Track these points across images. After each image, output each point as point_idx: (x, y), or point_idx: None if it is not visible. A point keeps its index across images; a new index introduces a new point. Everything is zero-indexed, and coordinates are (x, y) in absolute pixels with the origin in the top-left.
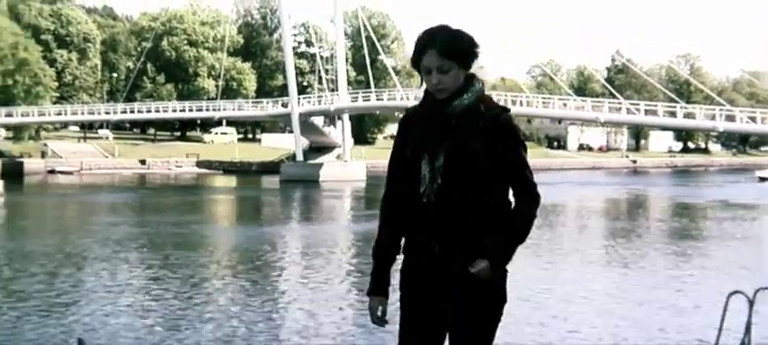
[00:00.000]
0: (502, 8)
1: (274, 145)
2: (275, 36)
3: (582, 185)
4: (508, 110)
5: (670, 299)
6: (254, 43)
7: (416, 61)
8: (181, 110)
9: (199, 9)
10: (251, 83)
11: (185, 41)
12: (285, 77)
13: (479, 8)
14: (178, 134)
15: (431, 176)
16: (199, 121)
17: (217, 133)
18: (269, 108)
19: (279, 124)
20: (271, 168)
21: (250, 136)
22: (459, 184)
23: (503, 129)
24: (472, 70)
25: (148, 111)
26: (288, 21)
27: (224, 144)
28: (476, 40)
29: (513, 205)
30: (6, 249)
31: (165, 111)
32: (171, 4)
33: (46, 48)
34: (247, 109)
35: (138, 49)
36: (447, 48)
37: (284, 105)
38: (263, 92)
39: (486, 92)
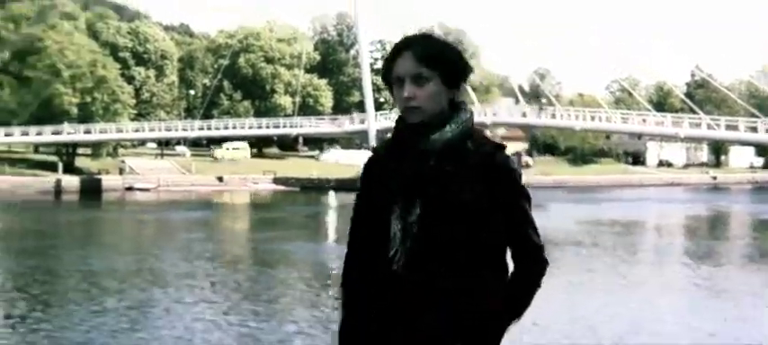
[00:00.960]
0: (579, 24)
1: (351, 162)
2: (352, 53)
3: (661, 202)
4: (504, 148)
5: (753, 322)
6: (331, 60)
7: (387, 72)
8: (257, 127)
9: (276, 26)
10: (327, 99)
11: (262, 58)
12: (362, 94)
13: (555, 25)
14: (255, 151)
15: (402, 235)
16: (275, 138)
17: (228, 148)
18: (346, 124)
19: (355, 140)
20: (348, 185)
21: (325, 153)
22: (438, 246)
23: (498, 173)
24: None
25: (225, 128)
26: (365, 37)
27: (232, 160)
28: (463, 54)
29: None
30: (86, 266)
31: (241, 128)
32: (248, 21)
33: (124, 65)
34: (324, 125)
35: (215, 67)
36: (428, 53)
37: (361, 121)
38: (339, 108)
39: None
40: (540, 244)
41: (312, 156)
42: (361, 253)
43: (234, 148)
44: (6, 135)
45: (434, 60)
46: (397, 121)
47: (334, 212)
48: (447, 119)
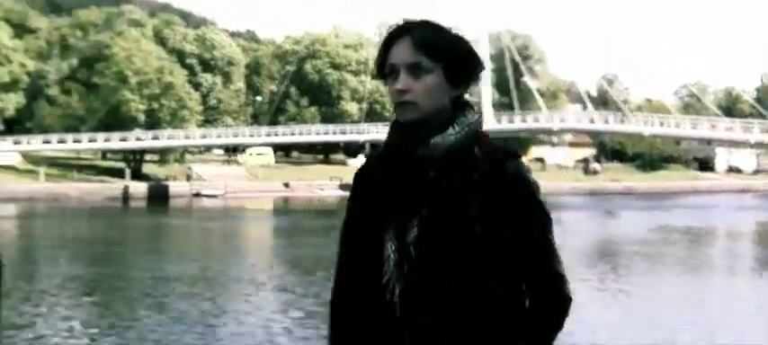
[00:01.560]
0: (646, 29)
1: None
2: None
3: (731, 209)
4: (518, 156)
5: None
6: None
7: (381, 62)
8: (324, 133)
9: (342, 32)
10: None
11: (328, 65)
12: None
13: (623, 28)
14: (321, 157)
15: (397, 259)
16: (342, 144)
17: (252, 154)
18: None
19: None
20: None
21: None
22: (440, 273)
23: (511, 185)
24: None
25: (292, 134)
26: None
27: (260, 166)
28: (473, 47)
29: (527, 306)
30: (156, 272)
31: (308, 134)
32: (314, 27)
33: (191, 72)
34: None
35: (282, 73)
36: (428, 41)
37: None
38: None
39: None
40: (561, 273)
41: (343, 163)
42: (351, 281)
43: (258, 153)
44: (74, 141)
45: (436, 49)
46: (392, 125)
47: None
48: (449, 120)
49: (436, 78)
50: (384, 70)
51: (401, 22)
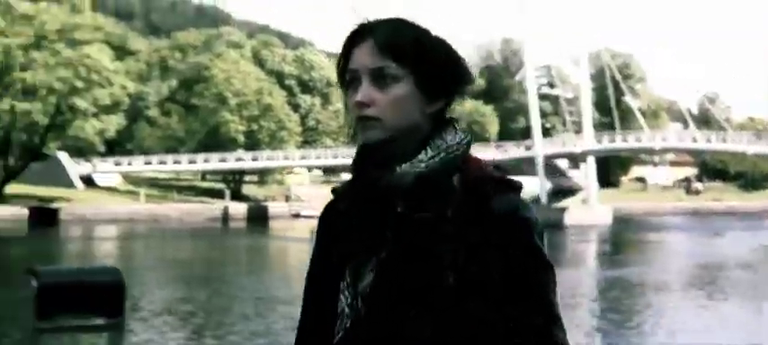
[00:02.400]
0: (747, 47)
1: None
2: (517, 78)
3: None
4: (517, 189)
5: None
6: (496, 86)
7: (343, 69)
8: None
9: None
10: (493, 125)
11: None
12: (528, 120)
13: (724, 46)
14: None
15: (350, 310)
16: None
17: (290, 173)
18: (512, 151)
19: (521, 166)
20: None
21: None
22: (398, 329)
23: (498, 227)
24: (454, 116)
25: None
26: (531, 63)
27: (297, 185)
28: (456, 52)
29: None
30: (259, 293)
31: None
32: None
33: (290, 93)
34: (490, 152)
35: None
36: (396, 42)
37: (528, 148)
38: (505, 134)
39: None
40: (559, 336)
41: None
42: (309, 336)
43: (296, 172)
44: (174, 162)
45: (405, 52)
46: (358, 148)
47: None
48: (423, 142)
49: (405, 88)
50: (344, 79)
51: (365, 21)
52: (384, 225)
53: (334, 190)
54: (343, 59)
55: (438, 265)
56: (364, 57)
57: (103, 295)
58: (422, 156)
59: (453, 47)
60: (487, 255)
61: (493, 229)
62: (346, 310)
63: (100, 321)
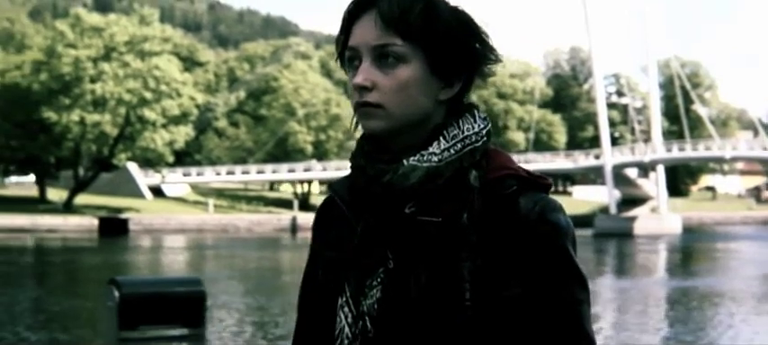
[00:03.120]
0: None
1: (585, 198)
2: (585, 87)
3: None
4: (547, 187)
5: None
6: (564, 94)
7: (343, 48)
8: None
9: (508, 62)
10: (561, 135)
11: (495, 94)
12: (596, 129)
13: None
14: None
15: (353, 332)
16: None
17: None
18: (581, 160)
19: (590, 176)
20: (583, 221)
21: (559, 188)
22: None
23: (527, 233)
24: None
25: None
26: (599, 71)
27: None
28: (477, 25)
29: None
30: None
31: None
32: None
33: None
34: (559, 161)
35: None
36: (401, 14)
37: (596, 157)
38: (573, 143)
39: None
40: None
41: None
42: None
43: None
44: (243, 173)
45: (413, 26)
46: (358, 139)
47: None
48: (435, 134)
49: (414, 70)
50: (343, 59)
51: None
52: (390, 230)
53: (331, 186)
54: (343, 36)
55: (453, 278)
56: (366, 32)
57: (185, 305)
58: (434, 148)
59: (474, 18)
60: (511, 267)
61: (518, 235)
62: (346, 330)
63: (182, 331)
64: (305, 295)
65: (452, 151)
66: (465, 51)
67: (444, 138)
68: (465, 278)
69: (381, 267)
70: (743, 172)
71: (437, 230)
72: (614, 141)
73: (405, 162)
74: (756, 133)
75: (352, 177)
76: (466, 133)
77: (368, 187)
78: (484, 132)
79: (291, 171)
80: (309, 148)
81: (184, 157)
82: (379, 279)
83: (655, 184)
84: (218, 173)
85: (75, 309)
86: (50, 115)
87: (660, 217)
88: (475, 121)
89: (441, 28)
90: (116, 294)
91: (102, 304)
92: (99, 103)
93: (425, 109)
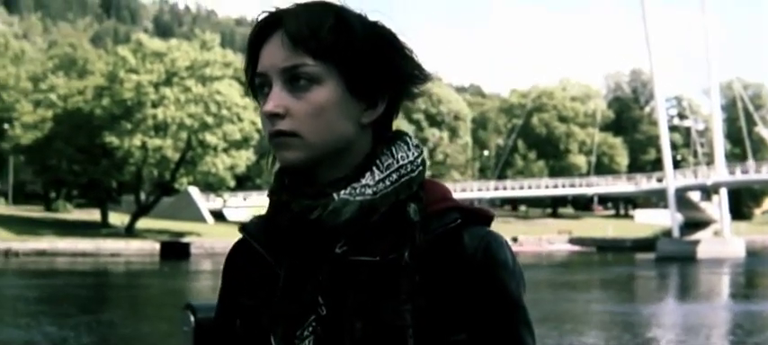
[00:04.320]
0: None
1: (647, 222)
2: (647, 109)
3: None
4: (490, 220)
5: None
6: (626, 117)
7: (251, 75)
8: (553, 187)
9: (569, 85)
10: (623, 158)
11: (556, 117)
12: (658, 151)
13: None
14: (549, 211)
15: None
16: (570, 198)
17: None
18: (643, 183)
19: (651, 199)
20: (645, 245)
21: (621, 212)
22: None
23: (472, 272)
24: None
25: (520, 188)
26: (661, 93)
27: None
28: (398, 39)
29: None
30: None
31: (537, 188)
32: (540, 80)
33: (417, 127)
34: (621, 184)
35: (508, 126)
36: (308, 30)
37: (659, 180)
38: (635, 166)
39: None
40: None
41: (573, 217)
42: None
43: None
44: None
45: (324, 43)
46: (276, 174)
47: (632, 272)
48: (366, 164)
49: (329, 91)
50: (253, 86)
51: (273, 10)
52: (319, 272)
53: (243, 228)
54: (250, 62)
55: (394, 324)
56: (273, 55)
57: None
58: (367, 180)
59: (395, 32)
60: (456, 309)
61: (462, 274)
62: None
63: None
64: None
65: (387, 182)
66: (386, 68)
67: (378, 169)
68: (407, 324)
69: (312, 314)
70: None
71: (373, 271)
72: (676, 164)
73: (335, 196)
74: None
75: (271, 215)
76: (401, 162)
77: (292, 225)
78: (419, 161)
79: None
80: None
81: (245, 181)
82: (310, 329)
83: (718, 207)
84: None
85: (146, 333)
86: (112, 140)
87: (723, 241)
88: (408, 149)
89: (355, 42)
90: (192, 318)
91: (177, 328)
92: (160, 128)
93: (347, 135)
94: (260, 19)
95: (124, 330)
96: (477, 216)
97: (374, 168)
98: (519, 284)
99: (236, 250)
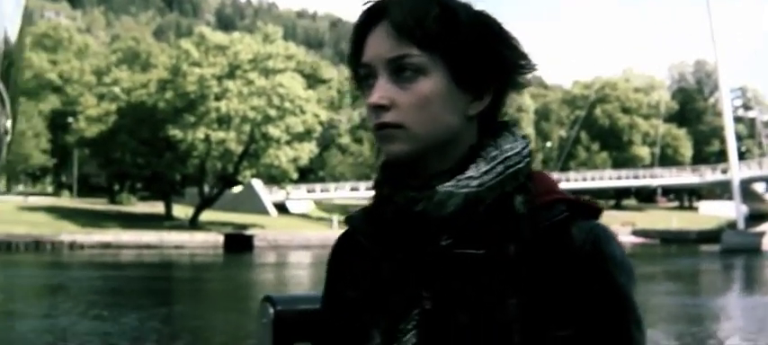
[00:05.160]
0: None
1: (712, 213)
2: (711, 100)
3: None
4: (598, 212)
5: None
6: (690, 108)
7: (355, 66)
8: (617, 178)
9: (632, 76)
10: (687, 149)
11: (619, 109)
12: (722, 143)
13: None
14: (612, 203)
15: None
16: (633, 190)
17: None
18: (707, 175)
19: (715, 191)
20: (710, 237)
21: (685, 204)
22: None
23: (581, 266)
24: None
25: (584, 180)
26: (725, 84)
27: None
28: (503, 29)
29: None
30: None
31: (600, 180)
32: (604, 71)
33: None
34: (685, 176)
35: (571, 118)
36: (414, 20)
37: (723, 172)
38: (699, 158)
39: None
40: None
41: (637, 209)
42: None
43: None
44: (367, 189)
45: (431, 34)
46: (381, 165)
47: (697, 264)
48: (470, 156)
49: (435, 83)
50: (358, 75)
51: None
52: (424, 266)
53: (349, 219)
54: (355, 50)
55: (500, 318)
56: (378, 45)
57: None
58: (472, 172)
59: (500, 22)
60: (562, 304)
61: (570, 269)
62: None
63: None
64: (325, 343)
65: (493, 174)
66: (492, 58)
67: (483, 160)
68: (514, 318)
69: (416, 308)
70: None
71: (479, 264)
72: (741, 155)
73: (439, 188)
74: None
75: (376, 208)
76: (507, 153)
77: (396, 218)
78: (526, 152)
79: None
80: None
81: (308, 174)
82: (413, 323)
83: None
84: (342, 190)
85: (219, 325)
86: (176, 133)
87: None
88: (515, 140)
89: (462, 32)
90: (271, 311)
91: (256, 320)
92: (223, 121)
93: (453, 126)
94: (364, 7)
95: (196, 322)
96: (585, 208)
97: (479, 160)
98: (629, 279)
99: (341, 242)
